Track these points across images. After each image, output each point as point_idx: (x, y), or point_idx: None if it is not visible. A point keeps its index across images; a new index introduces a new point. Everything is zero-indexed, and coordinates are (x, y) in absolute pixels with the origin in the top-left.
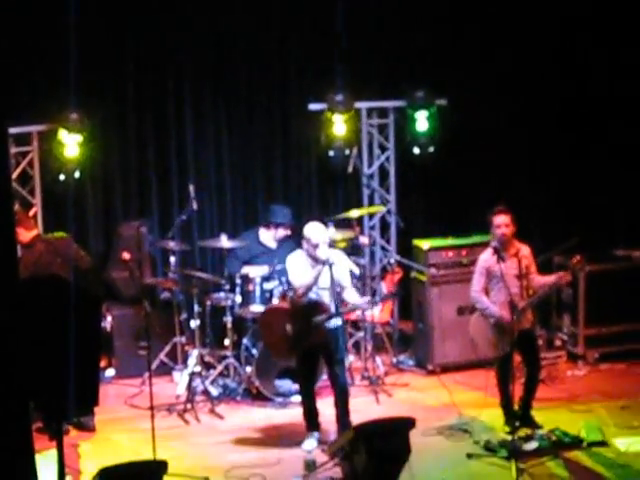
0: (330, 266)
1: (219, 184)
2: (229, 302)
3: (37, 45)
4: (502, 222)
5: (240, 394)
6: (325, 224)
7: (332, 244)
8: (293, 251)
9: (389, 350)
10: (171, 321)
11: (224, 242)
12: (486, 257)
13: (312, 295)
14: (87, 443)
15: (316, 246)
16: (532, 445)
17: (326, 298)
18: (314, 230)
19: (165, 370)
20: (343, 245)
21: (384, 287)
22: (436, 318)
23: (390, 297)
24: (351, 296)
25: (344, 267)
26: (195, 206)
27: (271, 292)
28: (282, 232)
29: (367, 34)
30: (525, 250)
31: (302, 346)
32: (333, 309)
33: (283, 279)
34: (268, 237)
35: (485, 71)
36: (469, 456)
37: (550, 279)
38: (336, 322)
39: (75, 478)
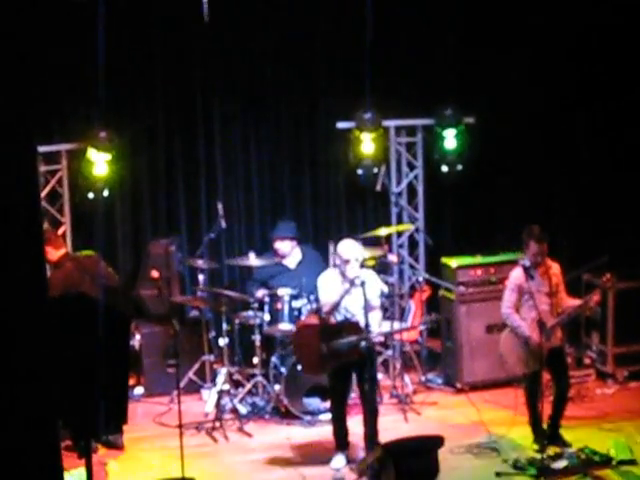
0: (362, 285)
1: (247, 202)
2: (257, 320)
3: (66, 64)
4: (539, 251)
5: (269, 412)
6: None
7: (362, 263)
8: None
9: (417, 368)
10: (200, 339)
11: (252, 260)
12: (517, 274)
13: (346, 314)
14: (116, 461)
15: (346, 262)
16: (561, 464)
17: (360, 317)
18: (346, 247)
19: (194, 388)
20: (372, 263)
21: (413, 305)
22: (465, 336)
23: (430, 323)
24: (375, 318)
25: (374, 287)
26: (224, 224)
27: (299, 310)
28: (282, 245)
29: (396, 52)
30: (555, 268)
31: (337, 364)
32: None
33: (312, 297)
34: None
35: (513, 89)
36: (498, 475)
37: (580, 301)
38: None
39: None
